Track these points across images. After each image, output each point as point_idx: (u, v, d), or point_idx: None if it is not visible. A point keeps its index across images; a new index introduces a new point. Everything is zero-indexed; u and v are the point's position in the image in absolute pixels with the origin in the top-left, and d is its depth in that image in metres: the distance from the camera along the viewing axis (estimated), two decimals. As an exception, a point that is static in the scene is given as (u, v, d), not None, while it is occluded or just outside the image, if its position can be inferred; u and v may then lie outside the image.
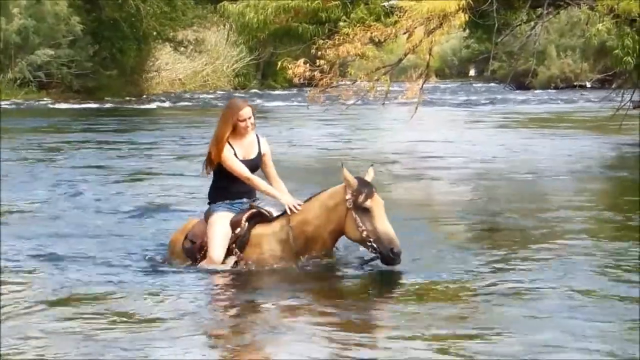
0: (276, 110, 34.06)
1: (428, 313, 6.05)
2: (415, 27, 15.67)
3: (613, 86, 29.27)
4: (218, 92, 48.84)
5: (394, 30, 15.52)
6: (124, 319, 5.96)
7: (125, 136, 22.31)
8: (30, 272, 7.32)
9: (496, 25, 16.03)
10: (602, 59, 40.56)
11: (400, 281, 6.92)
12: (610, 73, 30.00)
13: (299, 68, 15.14)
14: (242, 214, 7.27)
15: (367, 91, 16.28)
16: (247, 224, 7.22)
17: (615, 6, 15.49)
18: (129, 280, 7.00)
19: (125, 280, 7.02)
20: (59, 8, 39.56)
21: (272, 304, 6.40)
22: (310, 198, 7.25)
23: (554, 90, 47.44)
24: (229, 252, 7.20)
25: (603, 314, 5.93)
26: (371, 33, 15.40)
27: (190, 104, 39.48)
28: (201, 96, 44.69)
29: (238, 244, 7.20)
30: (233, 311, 6.40)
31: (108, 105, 37.04)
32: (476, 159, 16.70)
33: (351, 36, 15.26)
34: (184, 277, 7.08)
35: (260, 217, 7.30)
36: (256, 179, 7.33)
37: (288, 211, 7.15)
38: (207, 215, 7.38)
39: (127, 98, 41.11)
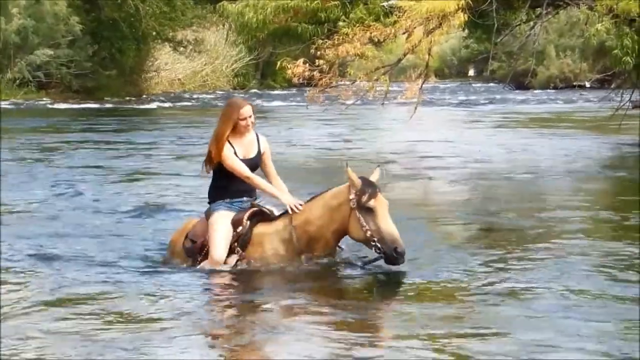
0: (275, 110, 34.06)
1: (425, 313, 6.06)
2: (415, 27, 15.68)
3: (612, 86, 29.24)
4: (217, 92, 48.82)
5: (393, 30, 15.53)
6: (123, 319, 5.97)
7: (124, 136, 22.32)
8: (28, 272, 7.31)
9: (495, 25, 16.03)
10: (602, 59, 40.50)
11: (398, 281, 6.93)
12: (609, 73, 29.98)
13: (298, 68, 15.15)
14: (244, 212, 7.26)
15: (366, 91, 16.30)
16: (248, 222, 7.21)
17: (615, 6, 15.49)
18: (128, 280, 7.01)
19: (123, 280, 7.02)
20: (58, 8, 39.56)
21: (271, 304, 6.41)
22: (313, 198, 7.25)
23: (553, 90, 47.44)
24: (230, 251, 7.19)
25: (599, 314, 5.94)
26: (370, 33, 15.41)
27: (189, 104, 39.48)
28: (200, 96, 44.68)
29: (240, 242, 7.19)
30: (232, 311, 6.40)
31: (107, 106, 37.03)
32: (475, 158, 16.71)
33: (350, 36, 15.26)
34: (183, 277, 7.08)
35: (261, 216, 7.29)
36: (256, 178, 7.32)
37: (289, 211, 7.15)
38: (208, 214, 7.37)
39: (127, 98, 41.11)
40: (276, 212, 7.32)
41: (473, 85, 54.39)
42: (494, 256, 7.77)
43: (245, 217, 7.22)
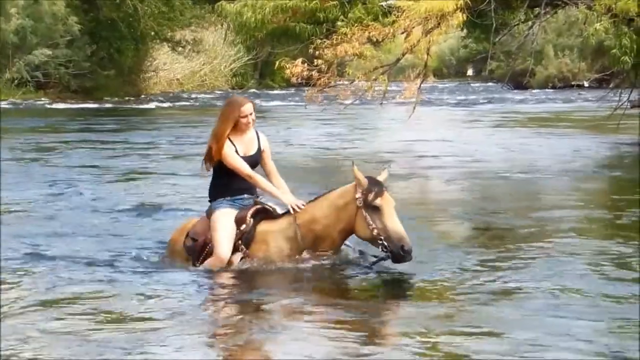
0: (274, 110, 34.07)
1: (420, 312, 6.07)
2: (413, 27, 15.68)
3: (611, 86, 29.24)
4: (216, 91, 48.82)
5: (391, 30, 15.53)
6: (120, 319, 5.97)
7: (122, 136, 22.32)
8: (26, 271, 7.31)
9: (494, 25, 16.03)
10: (600, 58, 40.45)
11: (394, 280, 6.95)
12: (607, 72, 29.93)
13: (296, 68, 15.14)
14: (247, 210, 7.23)
15: (365, 91, 16.29)
16: (252, 220, 7.20)
17: (613, 5, 15.48)
18: (125, 280, 7.01)
19: (120, 279, 7.03)
20: (56, 8, 39.53)
21: (269, 304, 6.41)
22: (318, 197, 7.24)
23: (552, 90, 47.45)
24: (234, 249, 7.17)
25: (591, 313, 5.96)
26: (369, 33, 15.40)
27: (188, 103, 39.48)
28: (199, 96, 44.67)
29: (244, 240, 7.16)
30: (230, 310, 6.40)
31: (106, 105, 37.03)
32: (472, 158, 16.72)
33: (349, 36, 15.26)
34: (179, 277, 7.08)
35: (264, 214, 7.27)
36: (257, 177, 7.30)
37: (291, 210, 7.15)
38: (209, 212, 7.34)
39: (125, 98, 41.10)
40: (279, 210, 7.30)
41: (471, 85, 54.37)
42: (489, 255, 7.79)
43: (249, 214, 7.20)
